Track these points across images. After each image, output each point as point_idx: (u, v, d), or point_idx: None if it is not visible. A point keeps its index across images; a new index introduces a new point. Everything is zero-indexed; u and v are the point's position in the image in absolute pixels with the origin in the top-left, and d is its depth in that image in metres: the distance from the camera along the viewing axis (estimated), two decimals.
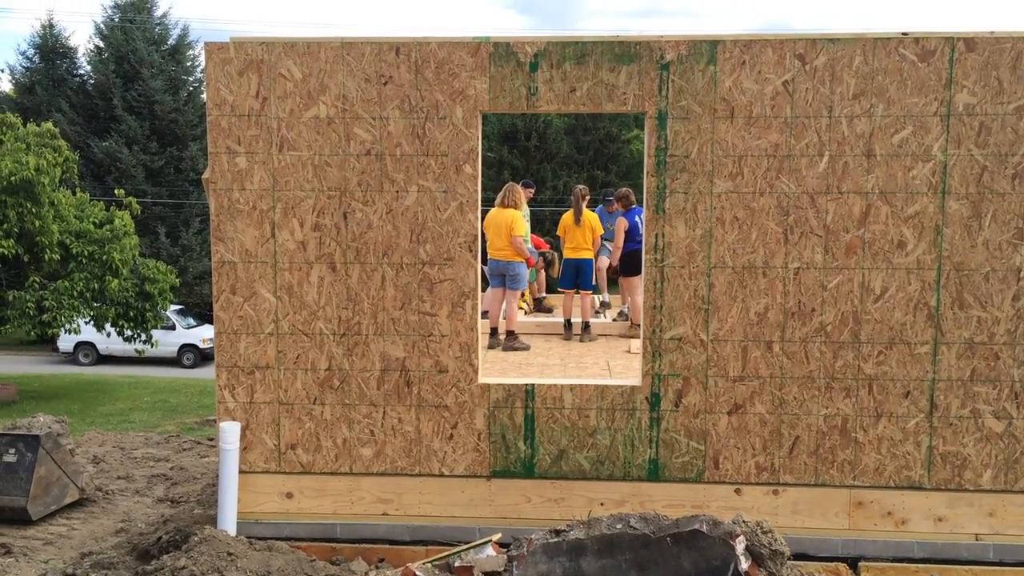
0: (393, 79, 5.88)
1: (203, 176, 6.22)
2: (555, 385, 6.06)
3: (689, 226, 5.86)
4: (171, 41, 33.95)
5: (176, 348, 27.04)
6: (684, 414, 5.97)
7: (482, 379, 6.10)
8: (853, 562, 5.95)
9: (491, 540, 4.77)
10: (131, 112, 31.59)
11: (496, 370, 7.89)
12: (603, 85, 5.81)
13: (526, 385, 6.05)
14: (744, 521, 4.84)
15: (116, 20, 33.12)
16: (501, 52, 5.81)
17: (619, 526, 4.89)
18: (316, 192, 5.98)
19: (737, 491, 6.01)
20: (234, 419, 6.13)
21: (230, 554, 5.25)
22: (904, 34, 5.67)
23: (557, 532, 4.92)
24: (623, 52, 5.78)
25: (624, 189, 10.58)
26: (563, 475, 6.07)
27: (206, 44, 5.94)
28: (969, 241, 5.77)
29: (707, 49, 5.74)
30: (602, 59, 5.78)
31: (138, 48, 31.98)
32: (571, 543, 4.82)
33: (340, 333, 6.07)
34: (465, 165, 5.91)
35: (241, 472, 6.11)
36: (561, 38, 5.85)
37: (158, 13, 34.01)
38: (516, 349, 9.14)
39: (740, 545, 4.73)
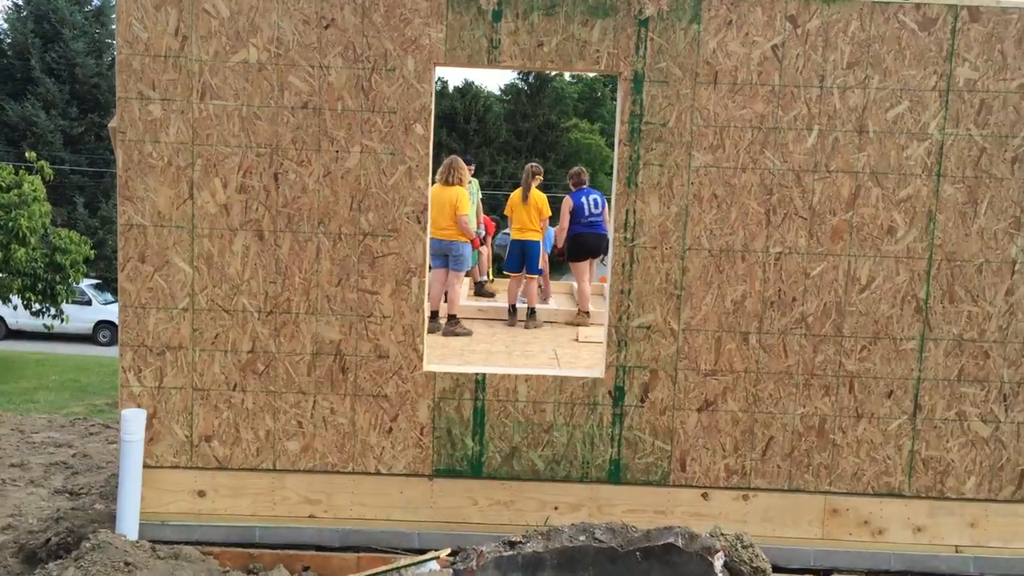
0: (336, 22, 5.15)
1: (110, 124, 5.40)
2: (508, 376, 5.43)
3: (663, 202, 5.27)
4: (95, 1, 32.29)
5: (91, 324, 25.75)
6: (650, 410, 5.40)
7: (427, 367, 5.44)
8: (826, 574, 5.48)
9: (438, 556, 4.15)
10: (50, 74, 29.96)
11: (436, 356, 7.23)
12: (574, 40, 5.17)
13: (476, 375, 5.41)
14: (723, 534, 4.31)
15: None
16: None
17: (582, 538, 4.31)
18: (243, 148, 5.22)
19: (704, 496, 5.47)
20: (139, 406, 5.35)
21: (127, 563, 4.52)
22: None
23: (511, 544, 4.31)
24: (598, 4, 5.14)
25: (577, 168, 10.07)
26: (514, 475, 5.45)
27: None
28: (963, 229, 5.31)
29: (691, 5, 5.14)
30: (574, 11, 5.15)
31: (59, 7, 30.30)
32: (528, 557, 4.22)
33: (266, 311, 5.33)
34: (416, 124, 5.22)
35: (146, 467, 5.34)
36: None
37: None
38: (457, 334, 8.51)
39: (719, 562, 4.20)
